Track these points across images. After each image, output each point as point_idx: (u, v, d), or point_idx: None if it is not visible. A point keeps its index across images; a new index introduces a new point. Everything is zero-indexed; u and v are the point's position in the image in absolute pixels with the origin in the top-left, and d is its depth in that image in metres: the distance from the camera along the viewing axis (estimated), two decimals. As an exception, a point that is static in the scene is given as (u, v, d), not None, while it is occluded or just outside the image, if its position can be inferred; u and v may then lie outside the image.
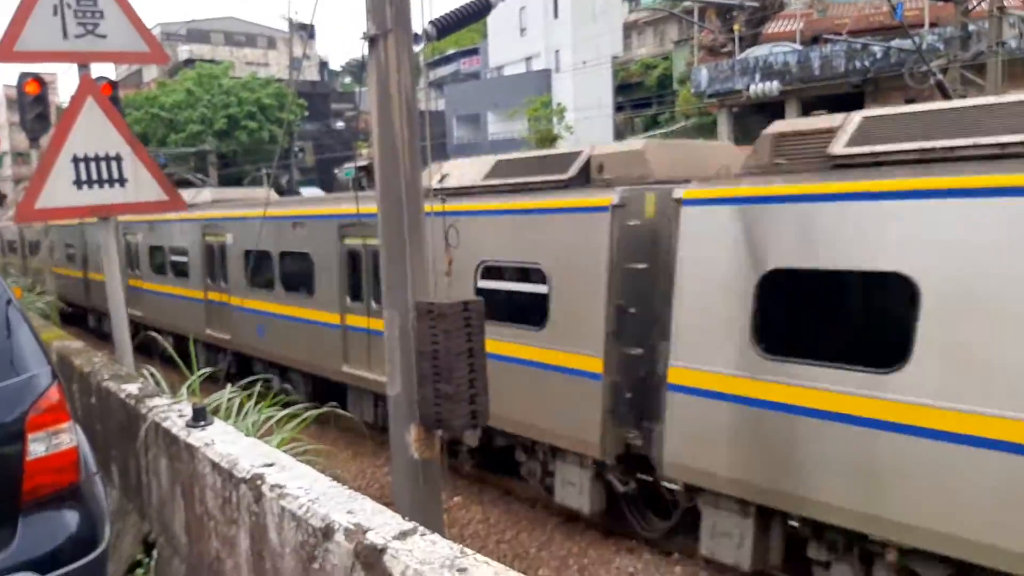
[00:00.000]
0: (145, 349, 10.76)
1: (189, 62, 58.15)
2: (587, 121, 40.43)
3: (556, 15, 46.98)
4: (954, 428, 5.38)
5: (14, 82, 12.03)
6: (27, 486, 3.71)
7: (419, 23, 5.96)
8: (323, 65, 76.77)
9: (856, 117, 6.70)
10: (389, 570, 2.53)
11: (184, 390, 5.70)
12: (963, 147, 5.76)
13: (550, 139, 37.35)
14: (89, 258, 20.70)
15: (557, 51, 46.60)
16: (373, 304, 10.56)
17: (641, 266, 7.49)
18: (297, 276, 12.50)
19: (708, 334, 6.88)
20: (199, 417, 4.34)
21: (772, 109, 30.87)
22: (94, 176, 6.46)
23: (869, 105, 28.27)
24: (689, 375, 6.97)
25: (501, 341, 8.28)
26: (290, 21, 56.64)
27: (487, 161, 9.97)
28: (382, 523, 2.81)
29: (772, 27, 34.96)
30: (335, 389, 11.18)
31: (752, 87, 29.55)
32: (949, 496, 5.46)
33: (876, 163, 6.23)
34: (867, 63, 27.17)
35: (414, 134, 5.56)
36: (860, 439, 5.88)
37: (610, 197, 7.63)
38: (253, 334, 13.47)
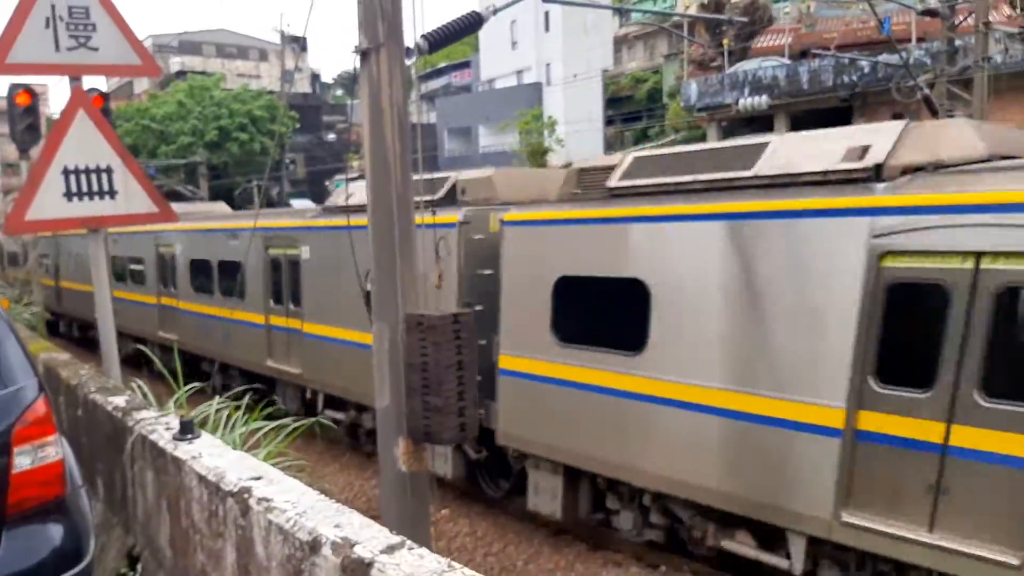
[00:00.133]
0: (133, 362, 10.80)
1: (180, 74, 58.13)
2: (578, 134, 40.59)
3: (547, 29, 47.23)
4: (677, 396, 7.04)
5: (3, 93, 12.03)
6: (12, 499, 3.69)
7: (411, 37, 6.00)
8: (315, 77, 76.87)
9: (630, 157, 8.42)
10: (376, 584, 2.53)
11: (171, 403, 5.69)
12: (688, 182, 7.35)
13: (541, 152, 37.48)
14: (61, 268, 22.20)
15: (548, 64, 46.82)
16: (291, 306, 12.26)
17: (486, 272, 8.98)
18: (231, 282, 13.80)
19: (523, 327, 8.54)
20: (186, 430, 4.32)
21: (761, 123, 31.09)
22: (84, 188, 6.45)
23: (857, 119, 28.51)
24: (512, 361, 8.64)
25: (368, 334, 9.37)
26: (282, 34, 56.82)
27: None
28: (370, 537, 2.81)
29: (761, 41, 35.24)
30: (268, 382, 12.21)
31: (741, 101, 29.74)
32: (679, 450, 7.07)
33: (637, 193, 7.80)
34: (855, 78, 27.40)
35: (406, 147, 5.58)
36: (619, 407, 7.53)
37: (456, 215, 9.08)
38: (197, 334, 14.84)
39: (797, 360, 6.28)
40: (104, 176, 6.55)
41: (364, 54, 5.51)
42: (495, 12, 10.63)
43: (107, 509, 5.59)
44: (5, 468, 3.66)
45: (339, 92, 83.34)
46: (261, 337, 12.88)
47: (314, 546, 2.85)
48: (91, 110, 6.57)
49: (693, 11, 35.47)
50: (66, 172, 6.38)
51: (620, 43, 53.89)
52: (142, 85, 62.18)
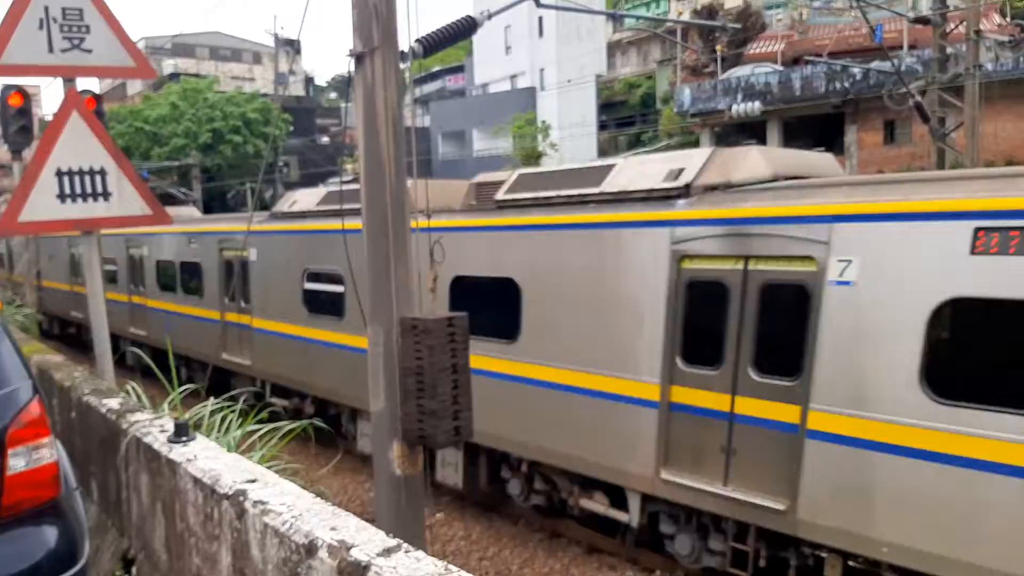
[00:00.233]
0: (127, 363, 10.79)
1: (174, 76, 57.99)
2: (571, 139, 40.66)
3: (541, 34, 47.31)
4: (544, 377, 8.28)
5: (-3, 95, 12.01)
6: (6, 501, 3.68)
7: (406, 41, 6.00)
8: (309, 80, 76.79)
9: (516, 173, 9.61)
10: (373, 586, 2.53)
11: (166, 405, 5.68)
12: (554, 197, 8.48)
13: (535, 156, 37.52)
14: (41, 268, 23.40)
15: (542, 69, 46.89)
16: (242, 303, 13.43)
17: None
18: (192, 281, 15.14)
19: None
20: (181, 432, 4.31)
21: (754, 129, 31.19)
22: (78, 190, 6.44)
23: (849, 126, 28.65)
24: None
25: (319, 330, 11.55)
26: (276, 36, 56.75)
27: (321, 191, 12.70)
28: (366, 540, 2.81)
29: (754, 48, 35.37)
30: (226, 375, 12.97)
31: (734, 107, 29.84)
32: (548, 424, 8.29)
33: (517, 205, 8.92)
34: (847, 84, 27.52)
35: (400, 150, 5.59)
36: (502, 388, 8.68)
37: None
38: (163, 330, 15.47)
39: (627, 345, 7.54)
40: (98, 178, 6.54)
41: (358, 57, 5.52)
42: (489, 17, 10.68)
43: (101, 512, 5.57)
44: (-1, 470, 3.65)
45: (333, 95, 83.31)
46: (217, 332, 13.97)
47: (310, 549, 2.85)
48: (85, 112, 6.56)
49: (686, 17, 35.62)
50: (59, 174, 6.37)
51: (614, 48, 54.01)
52: (135, 87, 62.01)
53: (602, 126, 46.08)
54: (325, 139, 60.02)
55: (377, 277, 5.63)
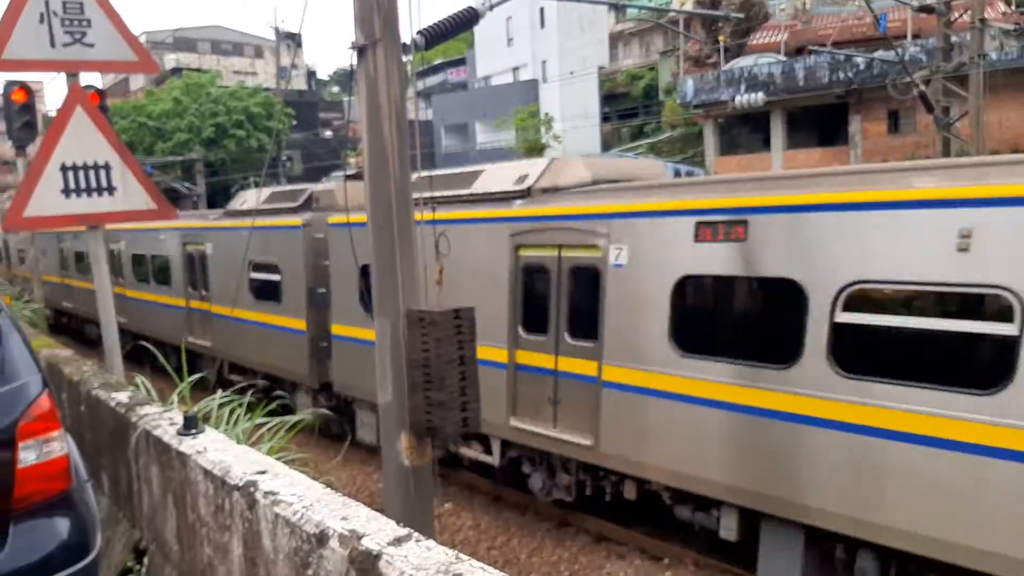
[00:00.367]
0: (135, 357, 10.88)
1: (176, 71, 57.96)
2: (574, 131, 40.60)
3: (543, 26, 47.20)
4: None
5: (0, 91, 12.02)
6: (18, 494, 3.70)
7: (407, 33, 6.00)
8: (311, 74, 76.74)
9: (415, 174, 11.64)
10: None
11: (174, 398, 5.70)
12: (441, 196, 9.06)
13: (538, 149, 37.45)
14: (11, 259, 26.89)
15: (544, 61, 46.80)
16: (203, 292, 15.06)
17: (324, 262, 11.89)
18: (161, 273, 16.85)
19: (344, 302, 11.26)
20: (190, 425, 4.33)
21: (757, 120, 31.13)
22: (83, 185, 6.44)
23: (853, 116, 28.57)
24: (340, 328, 11.45)
25: (263, 313, 13.15)
26: (277, 30, 56.72)
27: (266, 192, 14.44)
28: (377, 529, 2.82)
29: (757, 38, 35.27)
30: (194, 358, 13.98)
31: (737, 98, 29.74)
32: None
33: (418, 203, 10.46)
34: (851, 74, 27.43)
35: (403, 143, 5.59)
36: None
37: (300, 219, 12.18)
38: (140, 317, 17.46)
39: (489, 318, 8.36)
40: (102, 172, 6.54)
41: (361, 50, 5.52)
42: (491, 8, 10.67)
43: (112, 504, 5.60)
44: (11, 463, 3.67)
45: (335, 89, 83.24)
46: (183, 318, 15.61)
47: (321, 539, 2.87)
48: (88, 106, 6.56)
49: (689, 7, 35.53)
50: (64, 169, 6.37)
51: (616, 40, 53.89)
52: (138, 82, 62.00)
53: (605, 118, 46.00)
54: (328, 133, 60.00)
55: (383, 270, 5.65)
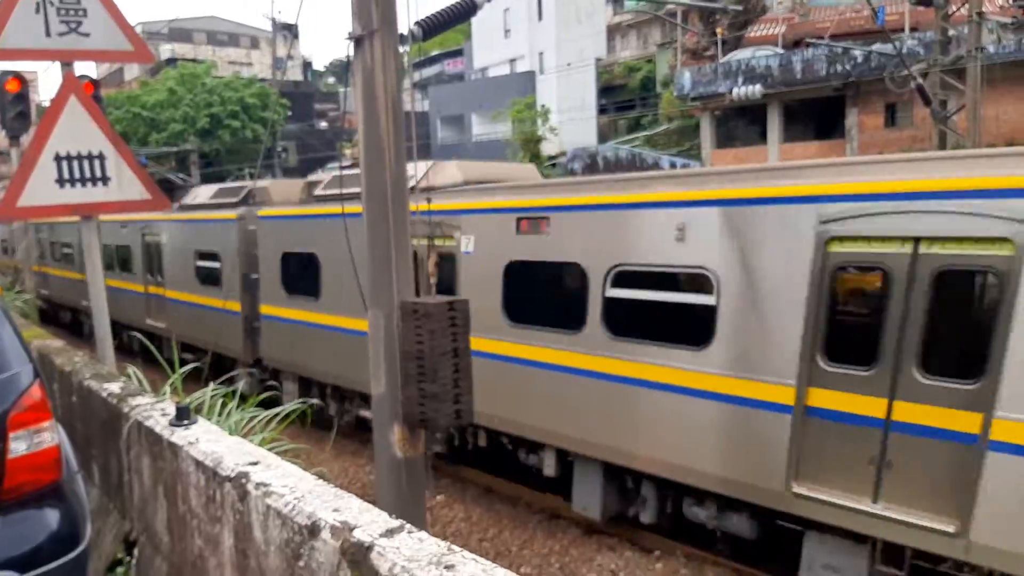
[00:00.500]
0: (126, 348, 10.87)
1: (171, 61, 57.72)
2: (571, 123, 40.51)
3: (540, 17, 47.04)
4: (337, 324, 11.24)
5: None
6: (8, 484, 3.68)
7: (405, 23, 5.96)
8: (307, 65, 76.46)
9: (329, 175, 13.51)
10: (376, 568, 2.53)
11: (167, 388, 5.68)
12: (336, 193, 10.59)
13: (534, 140, 37.38)
14: (16, 251, 27.07)
15: (541, 53, 46.64)
16: (159, 278, 16.68)
17: (255, 251, 13.36)
18: (125, 261, 18.40)
19: (269, 286, 12.97)
20: (182, 416, 4.31)
21: (754, 112, 31.10)
22: (77, 174, 6.41)
23: (850, 109, 28.56)
24: (267, 309, 13.02)
25: (207, 297, 14.66)
26: (273, 21, 56.40)
27: (214, 188, 16.27)
28: (369, 521, 2.81)
29: (754, 31, 35.21)
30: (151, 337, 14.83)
31: (735, 90, 29.73)
32: (343, 358, 11.15)
33: (322, 199, 11.80)
34: (848, 67, 27.40)
35: (400, 134, 5.56)
36: (314, 334, 11.82)
37: (235, 213, 13.76)
38: (108, 302, 18.13)
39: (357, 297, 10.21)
40: (96, 162, 6.51)
41: (357, 41, 5.49)
42: (489, -1, 10.62)
43: (103, 495, 5.59)
44: (1, 453, 3.65)
45: (331, 80, 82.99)
46: (142, 302, 17.16)
47: (313, 530, 2.86)
48: (83, 96, 6.52)
49: (687, -1, 35.42)
50: (58, 158, 6.34)
51: (613, 32, 53.77)
52: (132, 72, 61.73)
53: (602, 110, 45.90)
54: (324, 124, 59.83)
55: (377, 261, 5.63)
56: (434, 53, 62.83)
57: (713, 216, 6.99)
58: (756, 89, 29.18)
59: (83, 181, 6.46)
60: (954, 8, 18.82)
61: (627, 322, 7.79)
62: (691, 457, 7.20)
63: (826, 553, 6.67)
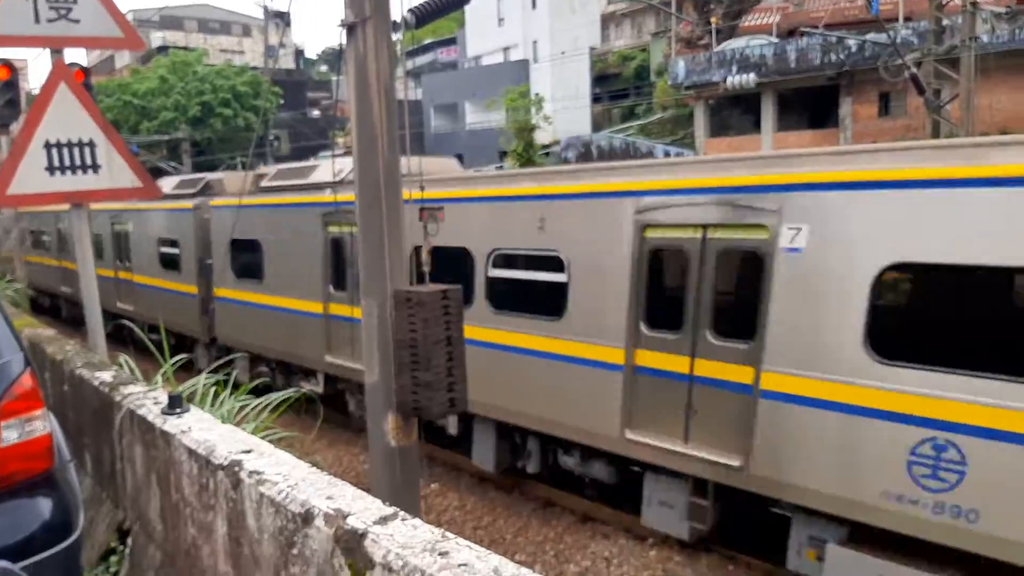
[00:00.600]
0: (119, 337, 10.85)
1: (162, 49, 57.33)
2: (565, 112, 40.41)
3: (534, 6, 46.85)
4: (280, 304, 12.53)
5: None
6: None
7: (398, 11, 5.93)
8: (299, 53, 76.02)
9: (275, 168, 14.52)
10: (370, 554, 2.53)
11: (159, 377, 5.66)
12: (285, 184, 12.83)
13: (528, 129, 37.24)
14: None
15: (535, 42, 46.48)
16: (127, 263, 17.67)
17: (210, 239, 14.41)
18: (96, 248, 18.08)
19: (221, 270, 13.97)
20: (175, 404, 4.30)
21: (748, 101, 31.06)
22: (67, 162, 6.36)
23: (844, 98, 28.55)
24: (220, 291, 14.10)
25: (168, 281, 15.85)
26: (265, 8, 56.07)
27: (176, 179, 17.48)
28: (363, 508, 2.81)
29: (749, 20, 35.13)
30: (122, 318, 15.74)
31: (729, 79, 29.64)
32: (279, 332, 12.61)
33: (266, 190, 13.22)
34: (842, 56, 27.36)
35: (392, 122, 5.54)
36: (258, 314, 13.06)
37: (191, 203, 14.86)
38: (79, 286, 19.79)
39: (312, 279, 11.75)
40: (87, 150, 6.47)
41: (350, 28, 5.46)
42: (482, -14, 10.57)
43: (96, 484, 5.57)
44: (-8, 442, 3.63)
45: (323, 68, 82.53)
46: (113, 286, 17.65)
47: (307, 518, 2.85)
48: (73, 83, 6.47)
49: (681, -12, 35.31)
50: (48, 146, 6.29)
51: (607, 20, 53.59)
52: (123, 60, 61.32)
53: (596, 99, 45.79)
54: (316, 113, 59.54)
55: (371, 250, 5.61)
56: (427, 41, 62.55)
57: (564, 208, 8.26)
58: (750, 78, 29.11)
59: (73, 169, 6.42)
60: (948, -3, 18.80)
61: (505, 298, 9.03)
62: (558, 413, 8.42)
63: (660, 491, 7.82)
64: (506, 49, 49.02)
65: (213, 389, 5.59)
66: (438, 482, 10.22)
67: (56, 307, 22.94)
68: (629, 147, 33.71)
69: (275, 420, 5.83)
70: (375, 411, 5.62)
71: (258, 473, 3.28)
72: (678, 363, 7.32)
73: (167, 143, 43.85)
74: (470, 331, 8.82)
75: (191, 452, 3.78)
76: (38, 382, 4.00)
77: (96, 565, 4.77)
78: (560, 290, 8.26)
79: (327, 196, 11.21)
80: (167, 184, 16.49)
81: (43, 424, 3.86)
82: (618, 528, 8.55)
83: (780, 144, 29.14)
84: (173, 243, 15.56)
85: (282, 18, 53.72)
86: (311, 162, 13.54)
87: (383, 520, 2.70)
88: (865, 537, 6.33)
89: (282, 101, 50.93)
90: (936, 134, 17.88)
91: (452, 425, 9.98)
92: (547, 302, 8.42)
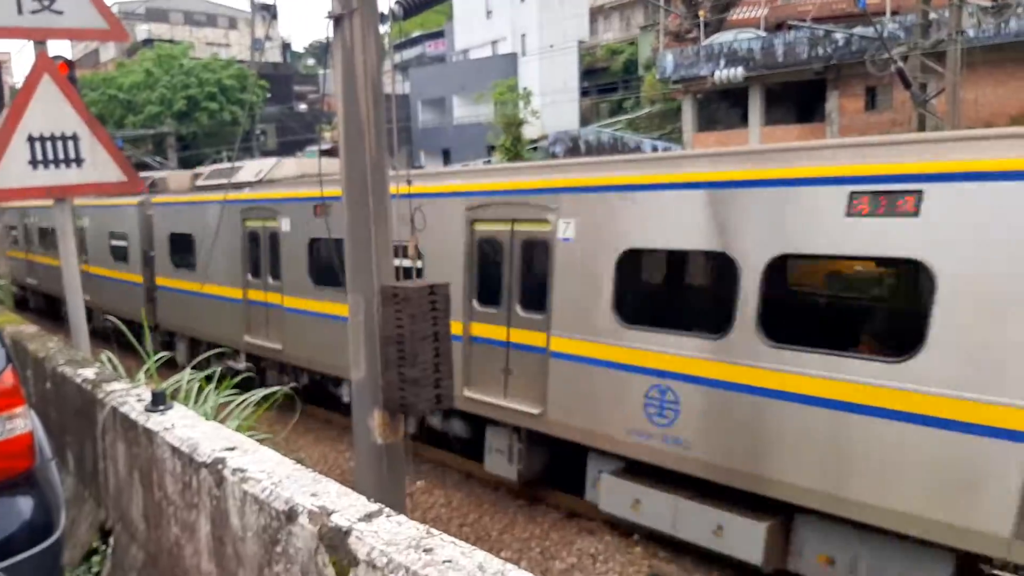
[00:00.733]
0: (102, 334, 10.79)
1: (148, 42, 56.86)
2: (553, 105, 40.34)
3: (522, -1, 46.73)
4: (212, 292, 13.57)
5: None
6: (-21, 472, 3.62)
7: (385, 3, 5.88)
8: (286, 47, 75.60)
9: (208, 168, 16.29)
10: (354, 552, 2.50)
11: (142, 374, 5.61)
12: (215, 183, 14.09)
13: (516, 123, 37.17)
14: None
15: (523, 35, 46.35)
16: (83, 256, 17.42)
17: (152, 232, 15.87)
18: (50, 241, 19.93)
19: (161, 261, 15.42)
20: (158, 401, 4.25)
21: (736, 95, 31.09)
22: (50, 156, 6.29)
23: (831, 92, 28.62)
24: (161, 280, 15.50)
25: (118, 271, 17.33)
26: (252, 1, 55.67)
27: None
28: (347, 505, 2.78)
29: (737, 13, 35.14)
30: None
31: (717, 73, 29.66)
32: (216, 317, 13.92)
33: (200, 188, 14.56)
34: (830, 50, 27.41)
35: (380, 115, 5.50)
36: (192, 301, 14.22)
37: (136, 200, 15.99)
38: (45, 278, 21.34)
39: (234, 269, 13.27)
40: (70, 143, 6.39)
41: (337, 20, 5.41)
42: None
43: (78, 482, 5.51)
44: (-28, 440, 3.58)
45: (310, 62, 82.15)
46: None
47: (291, 515, 2.83)
48: (56, 76, 6.39)
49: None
50: (31, 139, 6.22)
51: (596, 14, 53.50)
52: (108, 54, 60.80)
53: (584, 92, 45.74)
54: (303, 106, 59.25)
55: (357, 245, 5.57)
56: (415, 34, 62.29)
57: (424, 205, 8.92)
58: (738, 72, 29.14)
59: (56, 163, 6.35)
60: (935, -9, 18.84)
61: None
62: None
63: (496, 440, 9.30)
64: (494, 42, 48.87)
65: (196, 385, 5.54)
66: (424, 479, 10.20)
67: (25, 299, 24.18)
68: (617, 142, 33.69)
69: (260, 417, 5.80)
70: (361, 407, 5.58)
71: (242, 471, 3.24)
72: (499, 332, 9.01)
73: (152, 137, 43.53)
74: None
75: (174, 450, 3.74)
76: (19, 379, 3.95)
77: (78, 565, 4.72)
78: (419, 275, 9.11)
79: (245, 193, 12.90)
80: None
81: (24, 422, 3.81)
82: (603, 525, 8.55)
83: (768, 139, 29.20)
84: (123, 236, 16.96)
85: (268, 10, 53.37)
86: (237, 163, 14.84)
87: (368, 517, 2.67)
88: (635, 470, 7.87)
89: (269, 95, 50.65)
90: (922, 128, 17.94)
91: (346, 394, 10.74)
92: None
